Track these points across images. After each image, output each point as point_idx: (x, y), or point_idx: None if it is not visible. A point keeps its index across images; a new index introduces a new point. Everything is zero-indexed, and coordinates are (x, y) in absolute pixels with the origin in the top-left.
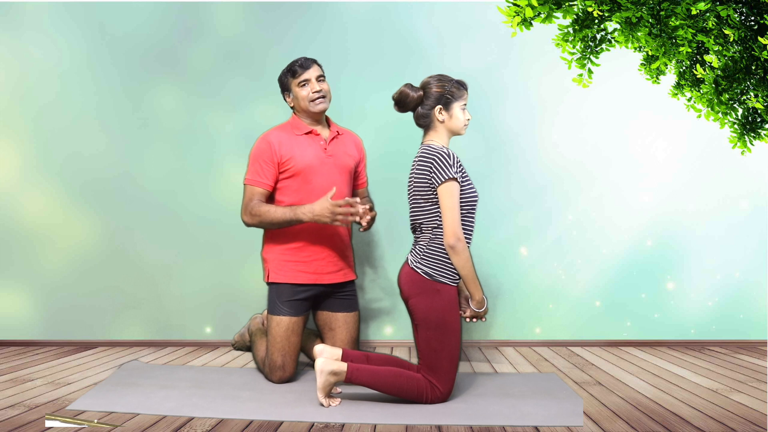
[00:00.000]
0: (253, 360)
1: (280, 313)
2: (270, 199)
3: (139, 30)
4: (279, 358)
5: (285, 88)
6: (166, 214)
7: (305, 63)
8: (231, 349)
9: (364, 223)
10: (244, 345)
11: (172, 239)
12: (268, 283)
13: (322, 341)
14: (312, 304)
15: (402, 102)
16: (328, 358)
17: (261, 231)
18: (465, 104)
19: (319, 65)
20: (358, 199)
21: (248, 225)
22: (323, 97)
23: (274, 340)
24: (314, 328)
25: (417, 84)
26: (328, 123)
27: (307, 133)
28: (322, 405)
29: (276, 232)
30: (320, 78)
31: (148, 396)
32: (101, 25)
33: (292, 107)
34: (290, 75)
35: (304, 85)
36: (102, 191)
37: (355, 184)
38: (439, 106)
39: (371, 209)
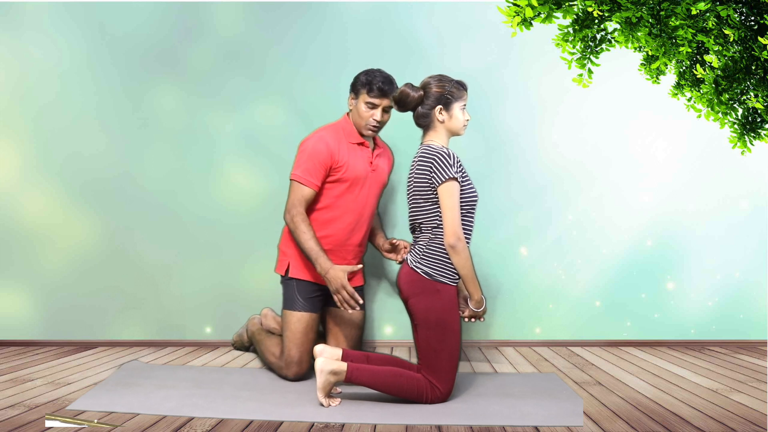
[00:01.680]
0: (258, 359)
1: (301, 309)
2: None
3: (139, 30)
4: (297, 353)
5: (354, 92)
6: (166, 214)
7: (386, 90)
8: (231, 349)
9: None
10: (243, 345)
11: (172, 239)
12: (286, 277)
13: (325, 339)
14: (323, 303)
15: (402, 101)
16: (328, 357)
17: (261, 230)
18: (465, 105)
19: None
20: (361, 301)
21: (285, 222)
22: (379, 128)
23: (294, 335)
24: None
25: (417, 84)
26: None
27: (359, 144)
28: (322, 405)
29: None
30: (388, 108)
31: (148, 396)
32: (101, 25)
33: (350, 107)
34: (366, 88)
35: (371, 107)
36: (102, 191)
37: None
38: (440, 106)
39: (406, 248)
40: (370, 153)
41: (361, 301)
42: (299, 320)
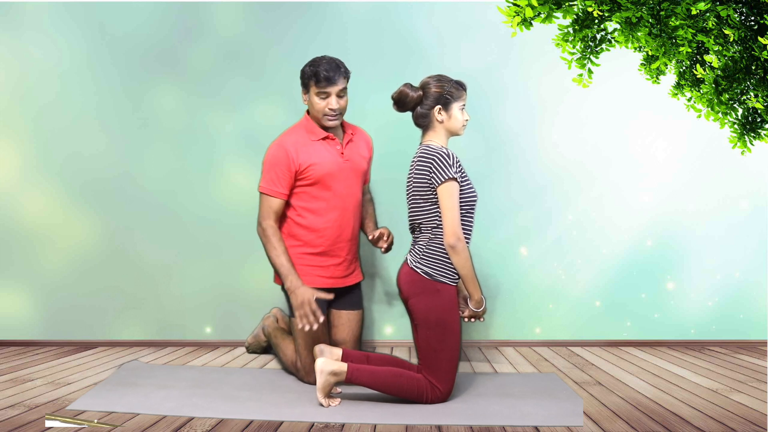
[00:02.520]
0: (276, 361)
1: None
2: (285, 204)
3: (139, 30)
4: (311, 359)
5: (304, 86)
6: (166, 214)
7: (333, 77)
8: (231, 349)
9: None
10: (259, 347)
11: (172, 239)
12: (284, 287)
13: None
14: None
15: (401, 102)
16: (328, 358)
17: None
18: (464, 105)
19: (345, 76)
20: (322, 319)
21: (257, 232)
22: (339, 114)
23: (305, 342)
24: None
25: (416, 84)
26: (342, 123)
27: (323, 138)
28: (321, 405)
29: (295, 235)
30: (342, 92)
31: (148, 396)
32: (101, 25)
33: (305, 104)
34: (313, 80)
35: (323, 97)
36: (102, 191)
37: None
38: (439, 106)
39: (389, 235)
40: (338, 144)
41: (321, 319)
42: None
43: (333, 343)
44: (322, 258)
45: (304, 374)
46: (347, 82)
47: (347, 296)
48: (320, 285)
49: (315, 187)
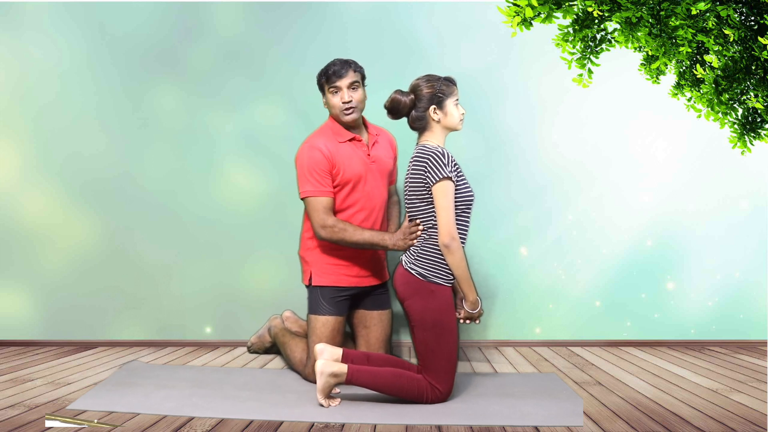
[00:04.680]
0: (281, 359)
1: (326, 313)
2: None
3: (139, 30)
4: None
5: (321, 90)
6: (166, 214)
7: (340, 71)
8: (231, 349)
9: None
10: (262, 347)
11: (172, 239)
12: (310, 286)
13: (354, 340)
14: (350, 304)
15: (395, 109)
16: (328, 359)
17: (261, 230)
18: (457, 99)
19: (355, 70)
20: (421, 228)
21: (323, 239)
22: (354, 107)
23: (319, 340)
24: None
25: (404, 89)
26: (365, 124)
27: (350, 140)
28: (321, 405)
29: None
30: (354, 85)
31: (148, 396)
32: (101, 25)
33: (326, 108)
34: (324, 79)
35: (335, 92)
36: (102, 191)
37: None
38: (433, 106)
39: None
40: (364, 146)
41: (421, 228)
42: (324, 324)
43: (365, 346)
44: (348, 256)
45: (311, 372)
46: (359, 76)
47: (376, 296)
48: (346, 284)
49: (344, 188)
